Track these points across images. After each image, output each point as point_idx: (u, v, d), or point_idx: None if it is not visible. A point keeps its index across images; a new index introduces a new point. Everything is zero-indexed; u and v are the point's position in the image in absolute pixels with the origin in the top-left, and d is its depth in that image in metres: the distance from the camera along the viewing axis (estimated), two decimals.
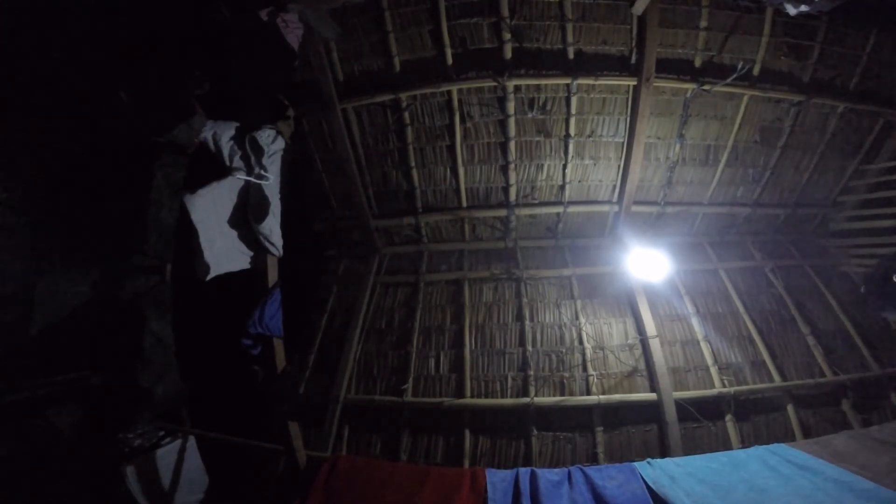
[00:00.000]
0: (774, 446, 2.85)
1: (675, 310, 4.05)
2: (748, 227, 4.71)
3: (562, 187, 4.36)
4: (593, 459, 3.33)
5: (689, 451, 3.24)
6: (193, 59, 3.04)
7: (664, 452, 3.30)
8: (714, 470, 2.70)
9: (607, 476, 2.77)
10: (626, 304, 4.07)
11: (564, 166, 4.24)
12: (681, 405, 3.44)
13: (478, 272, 4.35)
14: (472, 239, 4.66)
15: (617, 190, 4.38)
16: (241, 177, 3.21)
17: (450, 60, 3.82)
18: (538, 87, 3.88)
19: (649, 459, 2.89)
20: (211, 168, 3.13)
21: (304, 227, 4.65)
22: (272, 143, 3.39)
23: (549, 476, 2.80)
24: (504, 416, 3.52)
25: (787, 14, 3.20)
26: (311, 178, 4.42)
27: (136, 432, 3.08)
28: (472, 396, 3.59)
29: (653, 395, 3.52)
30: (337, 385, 3.73)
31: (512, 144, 4.11)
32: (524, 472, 2.84)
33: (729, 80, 3.83)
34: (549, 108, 3.97)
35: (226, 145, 3.17)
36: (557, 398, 3.54)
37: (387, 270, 4.55)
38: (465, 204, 4.45)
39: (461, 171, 4.26)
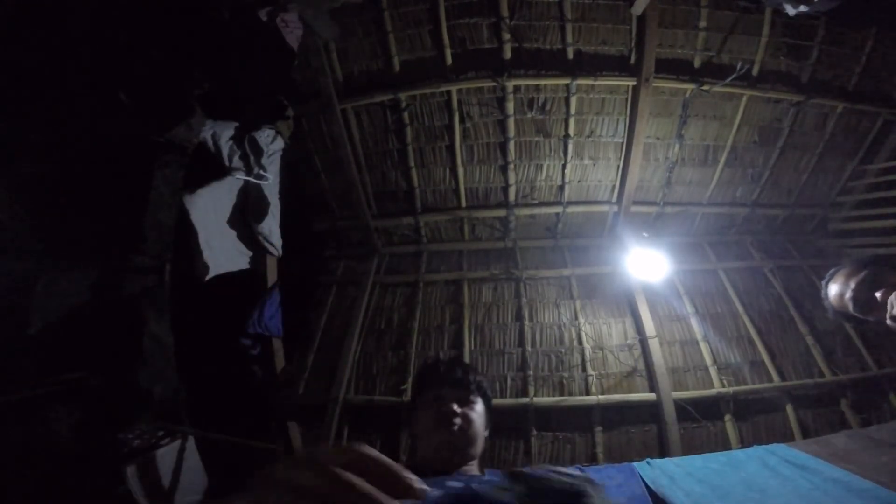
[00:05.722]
0: (773, 446, 2.84)
1: (674, 310, 4.05)
2: (747, 227, 4.71)
3: (561, 187, 4.36)
4: (592, 459, 3.33)
5: (688, 451, 3.24)
6: (193, 59, 3.04)
7: (663, 452, 3.31)
8: (713, 470, 2.69)
9: (606, 476, 2.76)
10: (626, 304, 4.07)
11: (564, 166, 4.24)
12: (680, 405, 3.45)
13: (477, 272, 4.35)
14: (471, 239, 4.66)
15: (616, 190, 4.38)
16: (241, 177, 3.22)
17: (449, 61, 3.82)
18: (537, 88, 3.88)
19: (648, 459, 2.89)
20: (210, 168, 3.13)
21: (304, 228, 4.65)
22: (271, 143, 3.39)
23: None
24: (503, 416, 3.51)
25: (786, 14, 3.20)
26: (310, 178, 4.41)
27: (135, 432, 3.07)
28: None
29: (652, 396, 3.52)
30: (336, 385, 3.73)
31: (511, 144, 4.11)
32: None
33: (728, 81, 3.83)
34: (548, 108, 3.97)
35: (225, 145, 3.17)
36: (557, 398, 3.54)
37: (386, 270, 4.54)
38: (464, 204, 4.45)
39: (460, 171, 4.26)
